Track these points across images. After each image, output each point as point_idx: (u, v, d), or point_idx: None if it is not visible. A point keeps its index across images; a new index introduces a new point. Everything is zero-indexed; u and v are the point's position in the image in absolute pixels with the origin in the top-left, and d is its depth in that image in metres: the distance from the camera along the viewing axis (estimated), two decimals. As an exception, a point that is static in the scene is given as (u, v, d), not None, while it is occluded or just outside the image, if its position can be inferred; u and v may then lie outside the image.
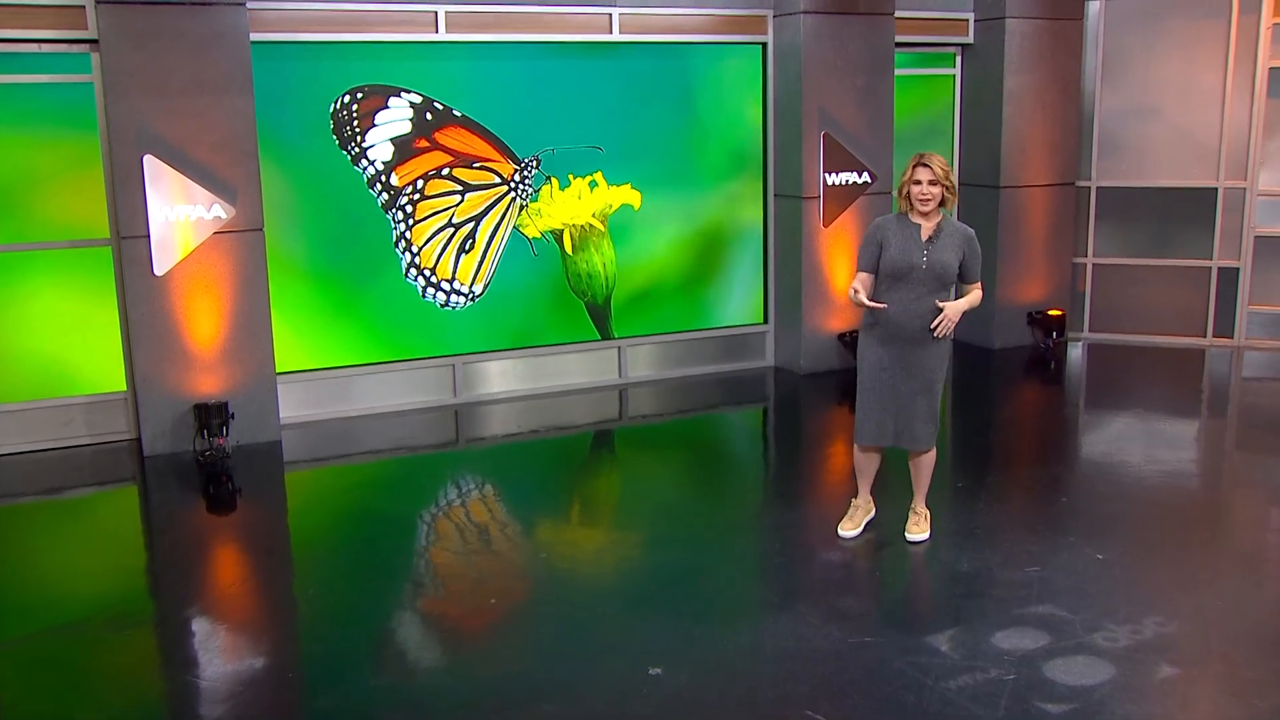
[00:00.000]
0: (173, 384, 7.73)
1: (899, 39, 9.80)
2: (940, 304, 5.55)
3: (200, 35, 7.47)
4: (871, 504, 6.17)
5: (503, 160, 8.82)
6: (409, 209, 8.55)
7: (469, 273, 8.86)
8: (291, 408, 8.49)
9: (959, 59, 10.63)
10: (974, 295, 5.72)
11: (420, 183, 8.55)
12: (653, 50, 9.25)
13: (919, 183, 5.53)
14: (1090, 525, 6.19)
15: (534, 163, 8.86)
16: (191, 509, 7.05)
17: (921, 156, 5.56)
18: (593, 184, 9.21)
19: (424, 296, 8.77)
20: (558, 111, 8.98)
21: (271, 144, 8.09)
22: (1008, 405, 9.25)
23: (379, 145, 8.41)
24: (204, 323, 7.74)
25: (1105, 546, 5.88)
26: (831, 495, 6.86)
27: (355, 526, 6.64)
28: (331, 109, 8.26)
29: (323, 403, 8.67)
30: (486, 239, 8.86)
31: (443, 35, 8.48)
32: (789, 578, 5.75)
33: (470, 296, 8.90)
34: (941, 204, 5.59)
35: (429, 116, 8.52)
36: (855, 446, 6.00)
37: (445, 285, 8.78)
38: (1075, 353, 10.56)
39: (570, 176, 9.12)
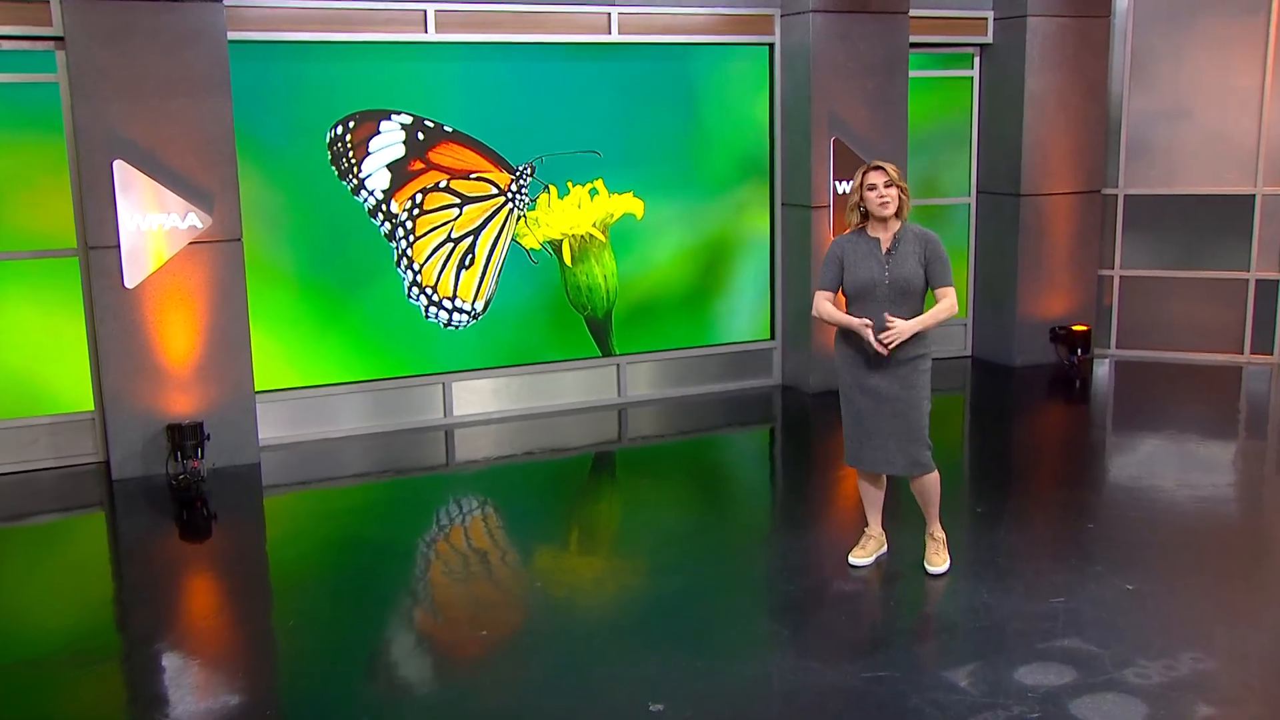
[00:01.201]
0: (144, 403, 7.70)
1: (913, 39, 9.82)
2: (890, 319, 5.49)
3: (174, 33, 7.47)
4: (883, 538, 6.13)
5: (497, 170, 8.84)
6: (409, 224, 8.60)
7: (470, 289, 8.91)
8: (271, 428, 8.46)
9: (977, 60, 10.64)
10: (942, 307, 5.59)
11: (419, 196, 8.60)
12: (654, 52, 9.28)
13: (874, 187, 5.54)
14: (1119, 554, 6.16)
15: (528, 170, 8.88)
16: (163, 536, 7.01)
17: (871, 163, 5.63)
18: (593, 192, 9.22)
19: (427, 317, 8.83)
20: (555, 116, 9.00)
21: (250, 149, 8.09)
22: (1030, 426, 9.22)
23: (376, 173, 8.49)
24: (178, 338, 7.72)
25: (1136, 576, 5.84)
26: (843, 521, 6.84)
27: (339, 555, 6.62)
28: (326, 140, 8.34)
29: (305, 423, 8.65)
30: (486, 253, 8.90)
31: (432, 36, 8.49)
32: (798, 608, 5.71)
33: (473, 314, 8.95)
34: (898, 212, 5.59)
35: (420, 136, 8.57)
36: (857, 474, 5.99)
37: (447, 304, 8.83)
38: (1101, 370, 10.52)
39: (569, 184, 9.13)
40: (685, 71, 9.43)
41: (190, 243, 7.63)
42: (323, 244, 8.48)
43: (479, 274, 8.90)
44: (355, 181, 8.42)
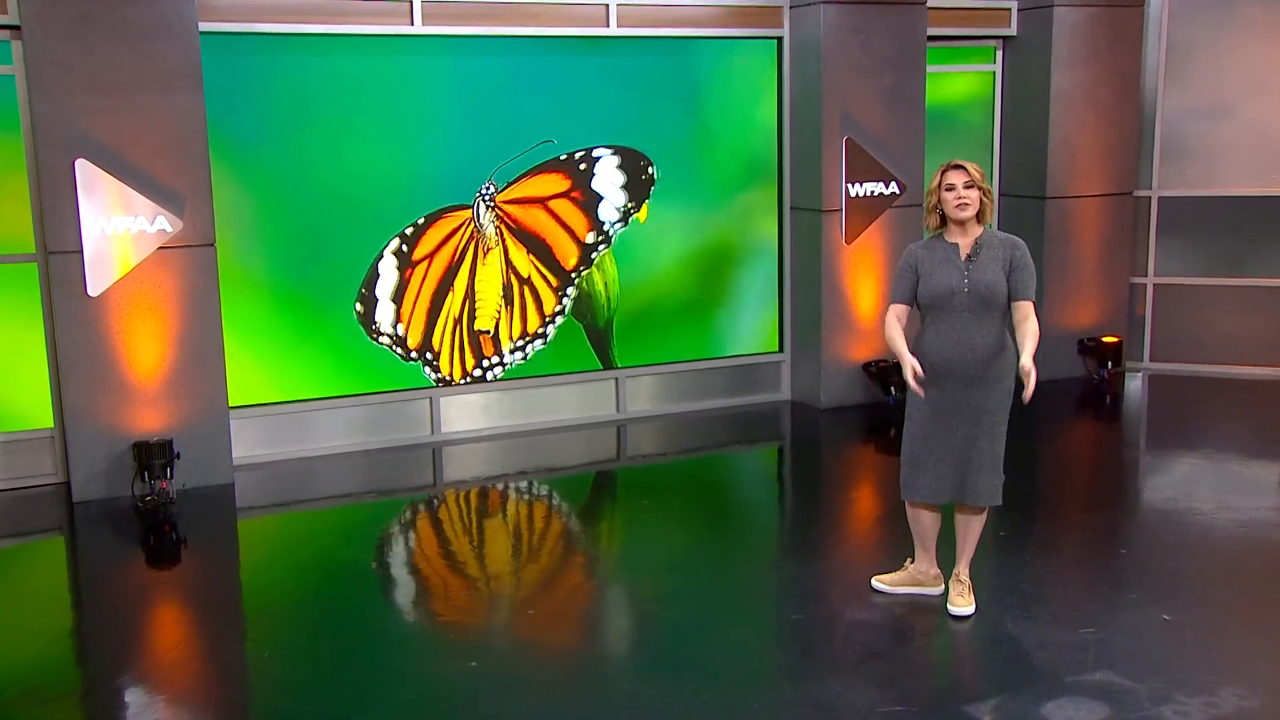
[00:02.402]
0: (108, 420, 7.67)
1: (932, 32, 9.81)
2: (1025, 369, 5.25)
3: (142, 24, 7.46)
4: (932, 576, 5.97)
5: (461, 212, 8.89)
6: (435, 362, 8.86)
7: (488, 323, 9.01)
8: (246, 446, 8.44)
9: (1000, 54, 10.63)
10: (1030, 325, 5.44)
11: (400, 330, 8.79)
12: (655, 46, 9.27)
13: (953, 187, 5.45)
14: (1155, 581, 6.13)
15: (488, 189, 8.85)
16: (128, 562, 6.99)
17: (951, 162, 5.52)
18: None
19: (486, 379, 9.06)
20: (550, 113, 9.00)
21: (224, 148, 8.08)
22: (1056, 444, 9.17)
23: (382, 318, 8.74)
24: (146, 350, 7.69)
25: (1173, 606, 5.79)
26: (857, 545, 6.82)
27: (317, 581, 6.58)
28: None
29: (282, 441, 8.63)
30: (475, 284, 8.94)
31: (419, 28, 8.49)
32: (809, 639, 5.69)
33: (521, 350, 9.14)
34: (979, 216, 5.50)
35: (405, 249, 8.67)
36: (907, 504, 5.86)
37: (484, 364, 9.02)
38: (1134, 385, 10.52)
39: None
40: (688, 67, 9.43)
41: (159, 248, 7.62)
42: (301, 250, 8.46)
43: (495, 311, 8.99)
44: (374, 330, 8.73)
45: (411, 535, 7.45)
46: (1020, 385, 5.33)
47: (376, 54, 8.46)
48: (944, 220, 5.55)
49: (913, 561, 6.01)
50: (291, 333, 8.52)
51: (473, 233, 8.82)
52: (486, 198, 8.80)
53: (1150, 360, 10.91)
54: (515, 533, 7.48)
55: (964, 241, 5.52)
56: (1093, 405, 10.03)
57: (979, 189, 5.45)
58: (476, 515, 7.82)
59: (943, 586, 5.92)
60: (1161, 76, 10.58)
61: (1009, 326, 5.58)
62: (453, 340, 8.87)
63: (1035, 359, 5.32)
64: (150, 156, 7.55)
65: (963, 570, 5.82)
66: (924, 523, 5.86)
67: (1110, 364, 10.36)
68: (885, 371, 9.45)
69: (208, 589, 6.64)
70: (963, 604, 5.75)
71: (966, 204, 5.43)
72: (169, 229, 7.60)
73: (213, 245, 7.83)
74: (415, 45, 8.57)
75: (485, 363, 9.00)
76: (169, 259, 7.67)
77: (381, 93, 8.51)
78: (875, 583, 6.00)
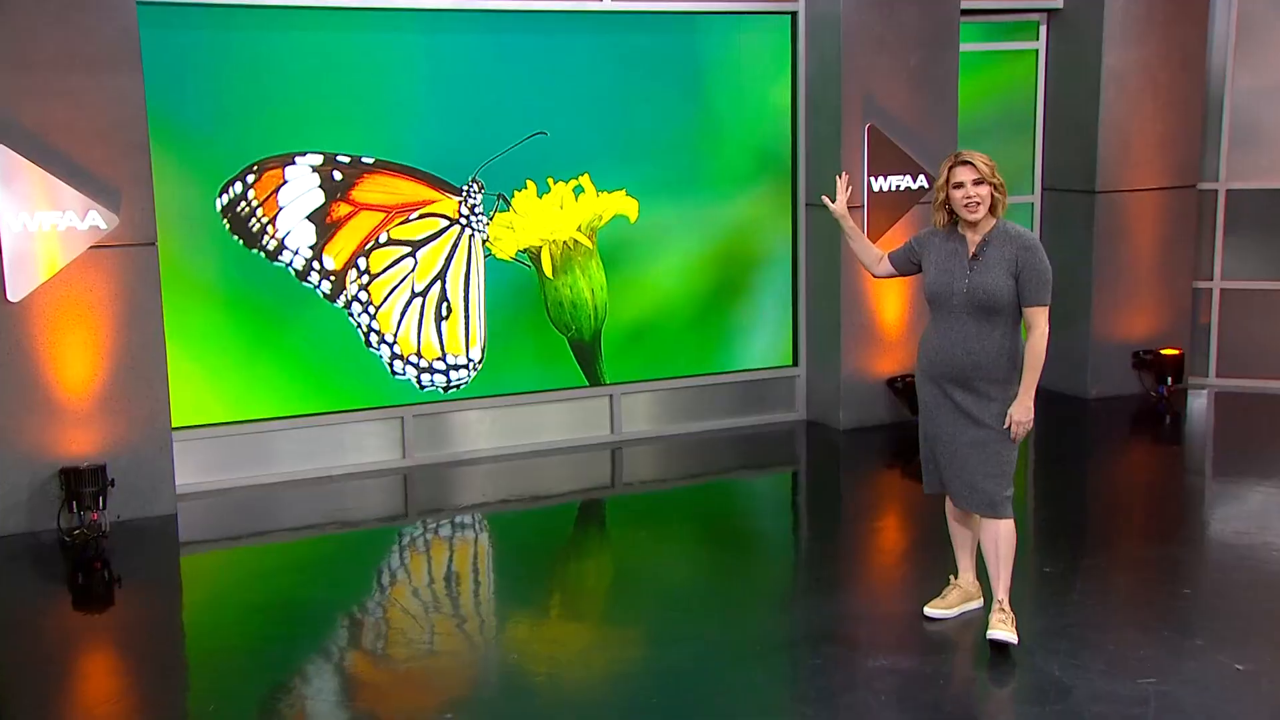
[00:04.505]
0: (30, 442, 7.66)
1: (965, 5, 9.87)
2: (1013, 417, 5.63)
3: (73, -5, 7.49)
4: (975, 589, 6.20)
5: (442, 196, 8.88)
6: (364, 297, 8.72)
7: (458, 339, 9.04)
8: (191, 472, 8.44)
9: (1044, 30, 10.64)
10: (1033, 345, 5.65)
11: (362, 261, 8.67)
12: (654, 22, 9.31)
13: (961, 185, 5.63)
14: (1224, 625, 6.09)
15: (475, 187, 8.90)
16: (53, 605, 6.97)
17: (959, 154, 5.72)
18: (578, 190, 9.24)
19: (422, 386, 9.01)
20: (533, 99, 9.03)
21: (167, 134, 8.09)
22: (1108, 470, 9.19)
23: (296, 229, 8.53)
24: (75, 363, 7.67)
25: (1246, 654, 5.75)
26: (881, 582, 6.93)
27: (272, 624, 6.54)
28: (220, 206, 8.35)
29: (233, 465, 8.64)
30: (461, 294, 9.00)
31: (388, 1, 8.52)
32: (827, 686, 5.66)
33: (471, 366, 9.12)
34: (991, 210, 5.68)
35: (337, 176, 8.62)
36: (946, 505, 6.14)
37: (439, 365, 8.99)
38: (1198, 404, 10.53)
39: (550, 181, 9.16)
40: (690, 46, 9.45)
41: (92, 247, 7.60)
42: (256, 252, 8.45)
43: (462, 320, 9.02)
44: (274, 243, 8.46)
45: (379, 572, 7.43)
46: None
47: (340, 30, 8.46)
48: (954, 214, 5.76)
49: (955, 577, 6.21)
50: (243, 343, 8.51)
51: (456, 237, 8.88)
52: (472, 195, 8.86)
53: (1216, 376, 10.92)
54: (497, 569, 7.50)
55: (973, 238, 5.73)
56: (1150, 426, 10.04)
57: (989, 184, 5.63)
58: (453, 549, 7.81)
59: (982, 600, 6.13)
60: (1230, 53, 10.58)
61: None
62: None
63: (1016, 351, 5.68)
64: (81, 144, 7.53)
65: (1003, 598, 5.88)
66: (954, 528, 6.14)
67: (1170, 380, 10.37)
68: (911, 388, 9.37)
69: (145, 634, 6.60)
70: (1003, 630, 5.79)
71: (977, 203, 5.63)
72: (103, 225, 7.58)
73: (154, 244, 7.83)
74: (384, 20, 8.58)
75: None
76: (103, 259, 7.66)
77: (346, 74, 8.52)
78: (929, 611, 6.14)
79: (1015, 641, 5.77)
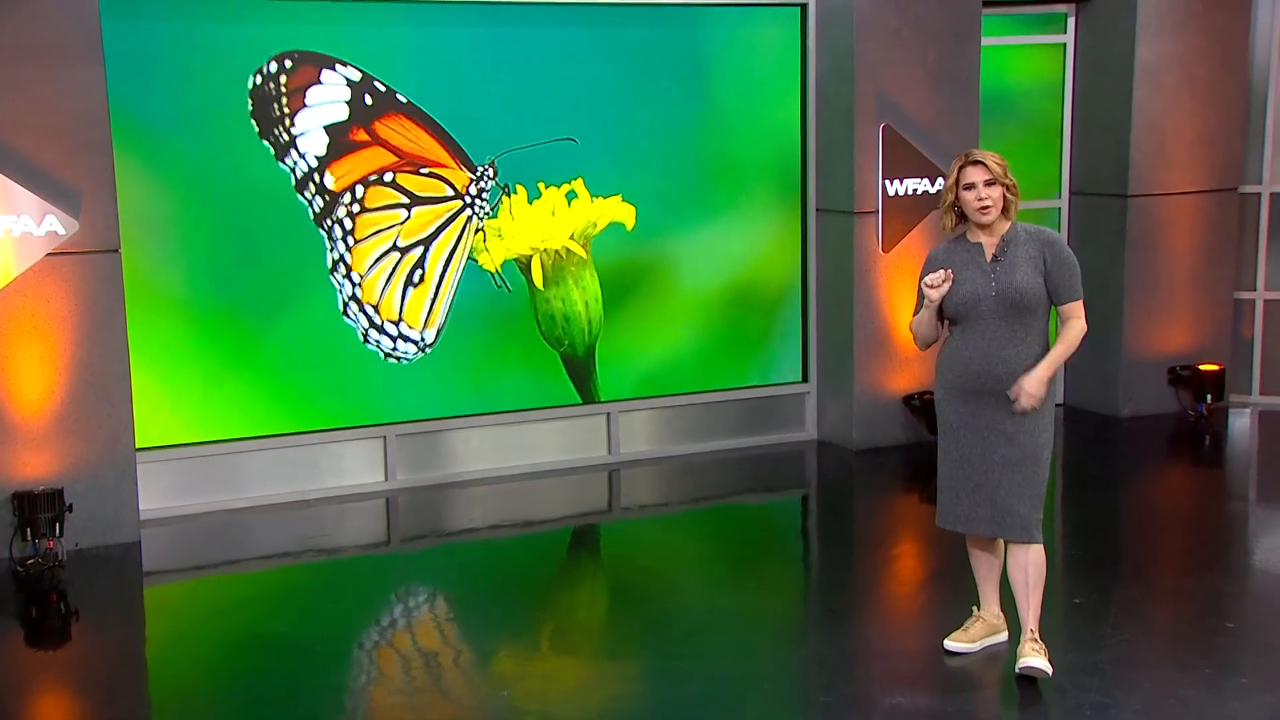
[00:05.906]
0: (-18, 464, 7.68)
1: (988, -4, 9.92)
2: (1020, 386, 5.65)
3: (28, -19, 7.53)
4: (999, 621, 6.20)
5: (456, 166, 8.91)
6: (348, 224, 8.69)
7: (418, 313, 8.99)
8: (156, 497, 8.43)
9: (1072, 22, 10.65)
10: (1071, 334, 5.81)
11: (360, 190, 8.68)
12: (654, 15, 9.34)
13: (972, 186, 5.69)
14: (1270, 663, 6.07)
15: (490, 170, 8.94)
16: (3, 641, 6.92)
17: (969, 154, 5.77)
18: (571, 195, 9.26)
19: (365, 341, 8.91)
20: (525, 96, 9.07)
21: (132, 133, 8.10)
22: (1142, 494, 9.18)
23: (311, 133, 8.56)
24: (30, 379, 7.67)
25: None
26: (897, 613, 6.94)
27: (242, 659, 6.55)
28: (252, 83, 8.40)
29: (201, 489, 8.63)
30: (439, 270, 8.99)
31: (373, -10, 8.59)
32: None
33: (421, 345, 9.04)
34: (1005, 212, 5.76)
35: (369, 100, 8.65)
36: (967, 540, 6.12)
37: (390, 328, 8.94)
38: (1240, 423, 10.55)
39: (541, 185, 9.18)
40: (693, 40, 9.47)
41: (49, 254, 7.61)
42: (227, 259, 8.49)
43: (429, 295, 8.97)
44: (286, 137, 8.48)
45: (358, 603, 7.38)
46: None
47: (318, 22, 8.48)
48: (962, 217, 5.82)
49: (979, 609, 6.19)
50: (213, 359, 8.51)
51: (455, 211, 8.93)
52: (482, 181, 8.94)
53: (1261, 393, 10.94)
54: (486, 599, 7.44)
55: (988, 241, 5.78)
56: (1188, 447, 10.07)
57: (1001, 185, 5.69)
58: (439, 578, 7.81)
59: (1007, 633, 6.15)
60: (1275, 45, 10.61)
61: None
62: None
63: (1059, 367, 5.76)
64: (37, 143, 7.54)
65: (1034, 627, 5.90)
66: (977, 558, 6.13)
67: (1210, 397, 10.36)
68: (929, 406, 9.36)
69: (105, 671, 6.56)
70: (1037, 658, 5.79)
71: (989, 205, 5.68)
72: (61, 231, 7.58)
73: (117, 252, 7.84)
74: (365, 12, 8.61)
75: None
76: (61, 268, 7.66)
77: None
78: (950, 644, 6.12)
79: (1050, 672, 5.77)
